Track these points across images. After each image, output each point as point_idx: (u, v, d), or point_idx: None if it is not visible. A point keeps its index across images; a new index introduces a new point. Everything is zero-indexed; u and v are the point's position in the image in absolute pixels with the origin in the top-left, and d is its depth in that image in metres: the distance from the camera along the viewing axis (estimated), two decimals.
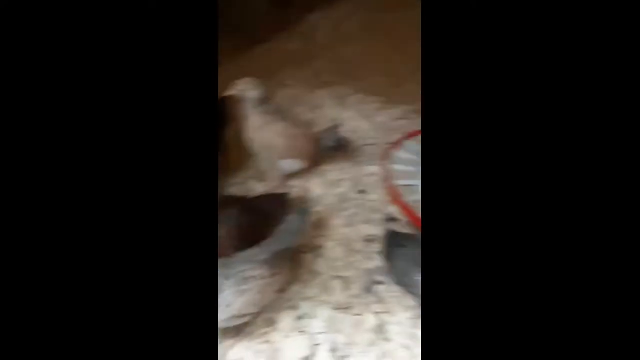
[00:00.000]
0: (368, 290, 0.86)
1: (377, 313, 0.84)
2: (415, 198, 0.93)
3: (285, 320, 0.83)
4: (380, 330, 0.81)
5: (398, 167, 1.01)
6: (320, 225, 1.04)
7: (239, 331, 0.81)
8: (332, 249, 0.98)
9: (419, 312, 0.83)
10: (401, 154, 1.05)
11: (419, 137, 1.09)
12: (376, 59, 1.75)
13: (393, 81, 1.58)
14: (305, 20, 2.02)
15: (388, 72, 1.64)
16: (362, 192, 1.13)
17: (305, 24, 2.00)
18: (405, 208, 0.90)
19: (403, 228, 0.90)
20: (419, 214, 0.88)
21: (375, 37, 1.89)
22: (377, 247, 0.97)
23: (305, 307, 0.85)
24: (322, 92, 1.54)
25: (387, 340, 0.80)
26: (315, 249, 0.98)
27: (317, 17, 2.05)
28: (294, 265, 0.93)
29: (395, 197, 0.94)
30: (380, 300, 0.86)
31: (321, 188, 1.15)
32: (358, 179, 1.17)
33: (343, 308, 0.85)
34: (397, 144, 1.07)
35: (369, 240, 0.99)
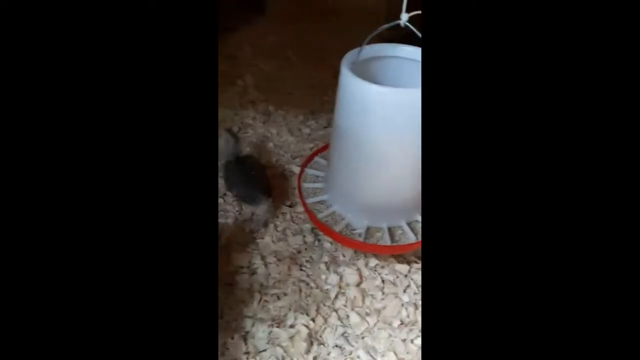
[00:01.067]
0: None
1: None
2: (326, 213, 1.00)
3: None
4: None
5: (308, 184, 1.07)
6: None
7: None
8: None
9: None
10: (310, 171, 1.11)
11: (325, 153, 1.15)
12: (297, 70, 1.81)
13: (315, 91, 1.65)
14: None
15: (310, 83, 1.71)
16: (291, 205, 1.19)
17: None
18: (322, 227, 0.97)
19: None
20: (334, 228, 0.96)
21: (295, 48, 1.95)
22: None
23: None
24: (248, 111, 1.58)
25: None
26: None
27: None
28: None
29: (310, 215, 1.00)
30: None
31: None
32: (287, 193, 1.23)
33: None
34: (309, 160, 1.14)
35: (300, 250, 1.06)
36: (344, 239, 0.94)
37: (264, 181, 1.13)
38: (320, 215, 0.98)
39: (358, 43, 0.90)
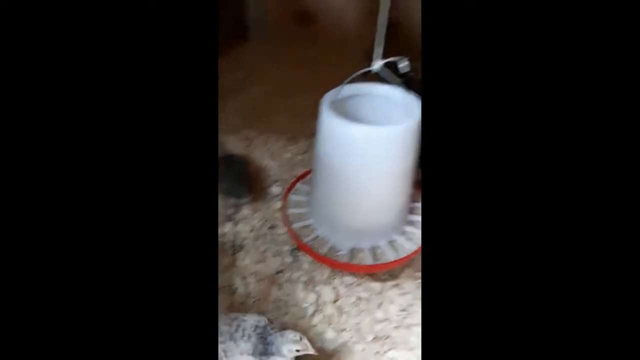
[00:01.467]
0: None
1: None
2: (312, 237, 1.06)
3: None
4: None
5: (292, 210, 1.13)
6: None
7: None
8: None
9: None
10: (293, 197, 1.16)
11: (308, 179, 1.21)
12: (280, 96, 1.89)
13: (296, 118, 1.72)
14: None
15: (291, 110, 1.78)
16: (272, 227, 1.24)
17: None
18: (308, 250, 1.02)
19: None
20: (319, 251, 1.02)
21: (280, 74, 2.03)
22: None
23: None
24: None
25: None
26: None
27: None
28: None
29: (297, 240, 1.05)
30: None
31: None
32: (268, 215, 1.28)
33: None
34: (291, 187, 1.20)
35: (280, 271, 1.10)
36: (328, 260, 0.99)
37: (250, 179, 1.32)
38: (306, 240, 1.03)
39: (339, 70, 0.96)
